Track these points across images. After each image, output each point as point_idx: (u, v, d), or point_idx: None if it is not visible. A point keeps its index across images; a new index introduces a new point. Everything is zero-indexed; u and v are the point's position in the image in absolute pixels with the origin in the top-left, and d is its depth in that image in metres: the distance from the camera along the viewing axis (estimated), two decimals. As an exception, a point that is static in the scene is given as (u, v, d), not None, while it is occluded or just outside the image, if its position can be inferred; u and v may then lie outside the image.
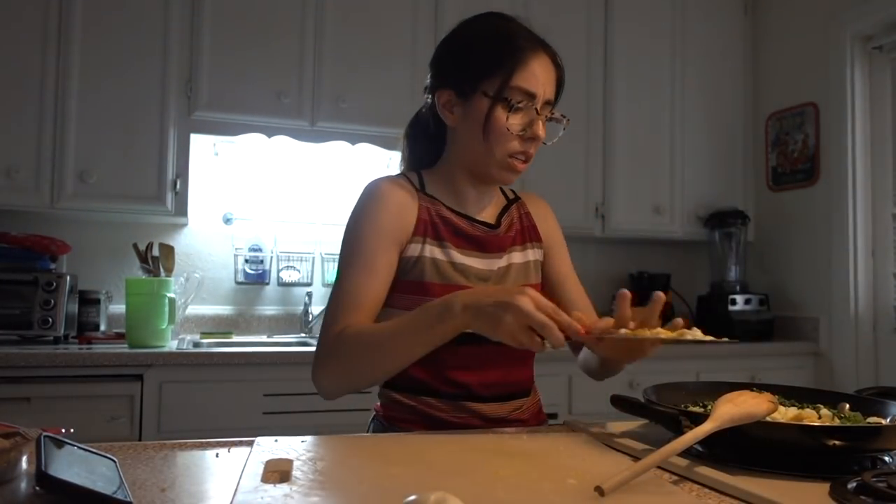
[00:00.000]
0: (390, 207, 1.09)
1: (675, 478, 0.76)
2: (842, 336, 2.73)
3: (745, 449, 0.78)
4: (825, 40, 2.84)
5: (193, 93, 2.38)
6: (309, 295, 2.74)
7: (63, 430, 0.73)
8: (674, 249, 3.30)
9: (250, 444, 0.84)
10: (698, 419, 0.77)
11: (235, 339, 2.59)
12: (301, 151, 2.73)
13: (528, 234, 1.23)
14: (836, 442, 0.75)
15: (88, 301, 2.36)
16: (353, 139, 2.55)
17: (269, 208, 2.78)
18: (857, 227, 2.71)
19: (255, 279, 2.73)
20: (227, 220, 2.72)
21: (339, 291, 1.05)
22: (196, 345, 2.40)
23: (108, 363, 1.98)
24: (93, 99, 2.28)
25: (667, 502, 0.66)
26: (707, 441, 0.76)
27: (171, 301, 2.20)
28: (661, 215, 2.97)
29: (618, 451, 0.87)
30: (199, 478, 0.75)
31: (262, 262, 2.74)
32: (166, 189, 2.35)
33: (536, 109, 1.07)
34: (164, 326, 2.18)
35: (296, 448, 0.81)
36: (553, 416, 1.29)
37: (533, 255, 1.21)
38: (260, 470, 0.71)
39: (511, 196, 1.27)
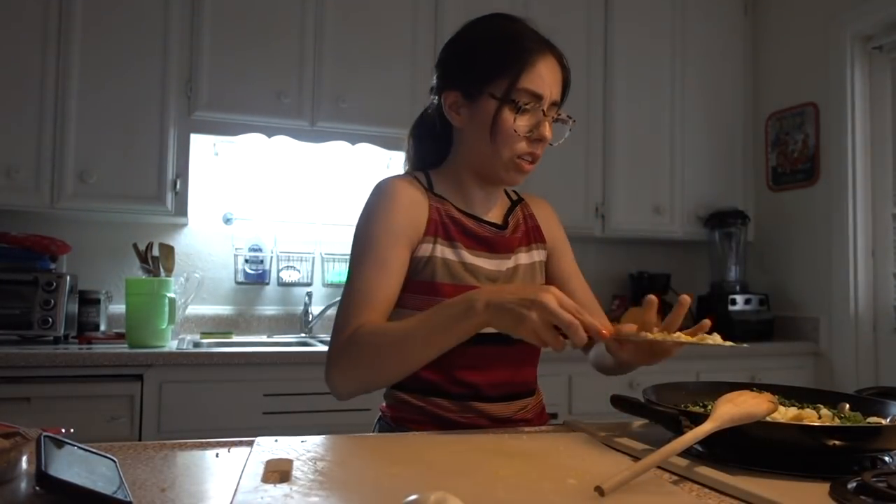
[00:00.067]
0: (403, 206, 1.08)
1: (675, 478, 0.76)
2: (842, 336, 2.73)
3: (745, 449, 0.78)
4: (825, 40, 2.84)
5: (193, 93, 2.38)
6: (309, 295, 2.74)
7: (63, 430, 0.73)
8: (674, 249, 3.30)
9: (250, 444, 0.84)
10: (698, 419, 0.77)
11: (235, 339, 2.59)
12: (301, 151, 2.73)
13: (533, 235, 1.23)
14: (836, 442, 0.74)
15: (88, 301, 2.36)
16: (353, 139, 2.56)
17: (269, 208, 2.78)
18: (857, 227, 2.71)
19: (255, 279, 2.73)
20: (227, 220, 2.72)
21: (352, 290, 1.04)
22: (196, 345, 2.40)
23: (108, 363, 1.98)
24: (93, 99, 2.28)
25: (667, 502, 0.66)
26: (707, 441, 0.76)
27: (171, 301, 2.20)
28: (661, 215, 2.97)
29: (618, 451, 0.87)
30: (199, 478, 0.75)
31: (262, 262, 2.74)
32: (166, 189, 2.35)
33: (543, 111, 1.07)
34: (164, 326, 2.18)
35: (296, 448, 0.81)
36: (553, 415, 1.29)
37: (538, 255, 1.22)
38: (260, 470, 0.71)
39: (514, 197, 1.27)
